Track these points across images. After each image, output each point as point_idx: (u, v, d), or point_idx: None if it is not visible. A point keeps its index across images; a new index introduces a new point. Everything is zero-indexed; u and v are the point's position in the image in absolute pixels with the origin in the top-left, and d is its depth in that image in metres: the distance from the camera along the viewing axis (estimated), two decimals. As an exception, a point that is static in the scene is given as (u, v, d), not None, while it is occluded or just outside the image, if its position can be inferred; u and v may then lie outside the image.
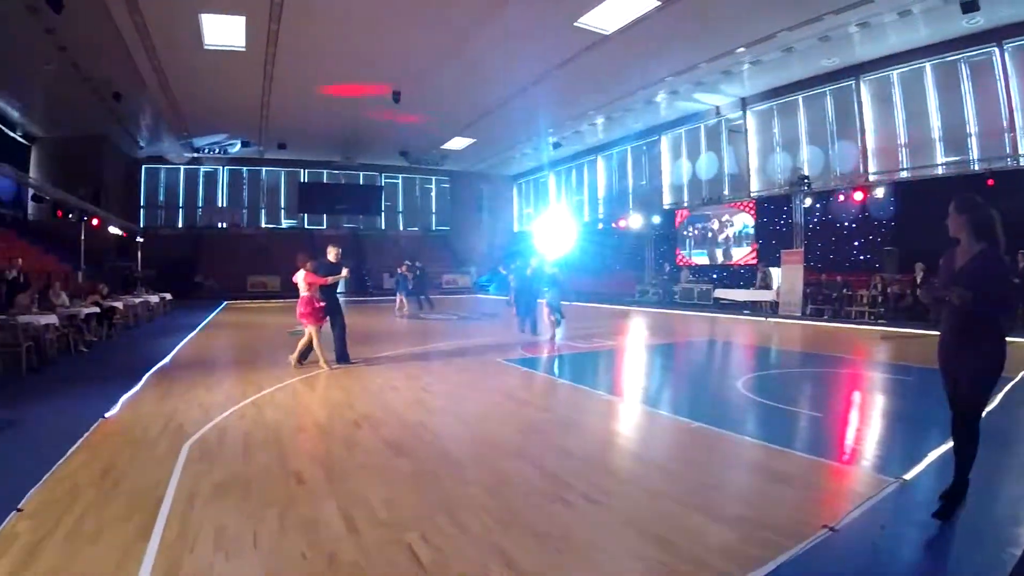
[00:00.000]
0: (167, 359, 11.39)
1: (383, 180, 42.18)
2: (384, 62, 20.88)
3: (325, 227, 40.77)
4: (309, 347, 10.35)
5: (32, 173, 27.48)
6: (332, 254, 10.78)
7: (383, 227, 42.39)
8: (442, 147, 35.13)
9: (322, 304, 10.19)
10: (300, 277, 10.14)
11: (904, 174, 20.73)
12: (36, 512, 4.17)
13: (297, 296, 10.19)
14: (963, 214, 4.02)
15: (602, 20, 17.58)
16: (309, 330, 10.19)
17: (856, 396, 8.58)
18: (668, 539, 3.77)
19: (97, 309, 14.46)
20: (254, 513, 4.23)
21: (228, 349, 13.80)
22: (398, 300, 22.36)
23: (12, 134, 27.44)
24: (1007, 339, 3.92)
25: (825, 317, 19.50)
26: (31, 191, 20.61)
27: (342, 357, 10.70)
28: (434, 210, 44.60)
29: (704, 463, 5.34)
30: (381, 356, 11.75)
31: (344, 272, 10.64)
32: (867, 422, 7.02)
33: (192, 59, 19.99)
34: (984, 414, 4.08)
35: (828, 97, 23.01)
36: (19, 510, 4.17)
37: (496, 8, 16.72)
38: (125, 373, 9.58)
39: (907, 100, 20.56)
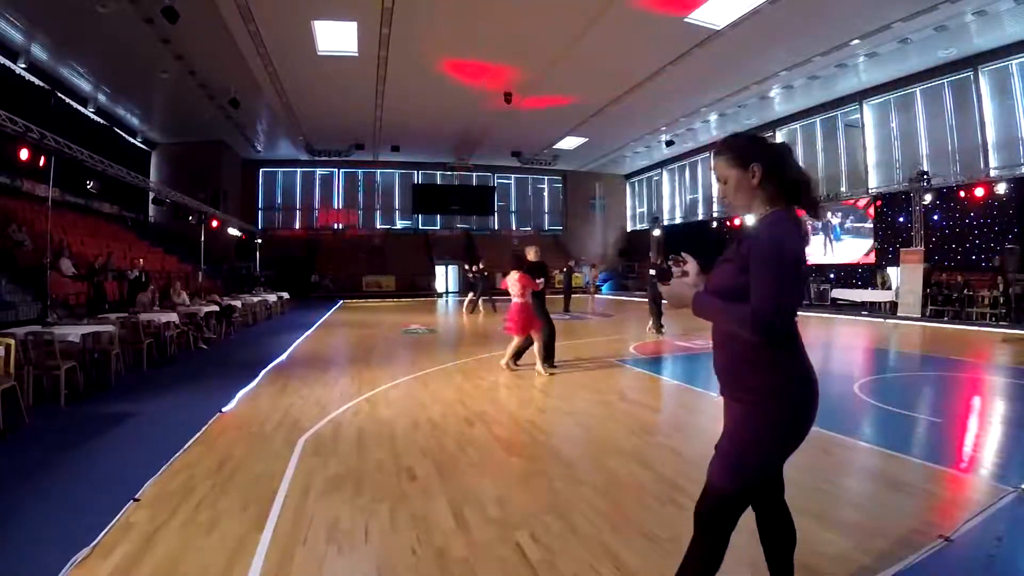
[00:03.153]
0: (284, 356, 11.83)
1: (496, 180, 42.79)
2: (495, 62, 21.16)
3: (439, 228, 41.82)
4: (524, 347, 9.99)
5: (152, 177, 29.41)
6: (532, 253, 10.15)
7: (496, 227, 42.84)
8: (554, 147, 35.25)
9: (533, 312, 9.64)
10: (513, 280, 9.56)
11: None
12: (153, 502, 4.32)
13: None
14: None
15: (713, 15, 17.29)
16: (517, 339, 9.77)
17: (975, 401, 8.26)
18: None
19: (216, 307, 15.14)
20: (366, 507, 4.26)
21: (343, 347, 14.18)
22: (467, 300, 23.68)
23: (133, 140, 29.55)
24: None
25: (945, 318, 18.94)
26: (151, 194, 21.82)
27: (549, 358, 9.99)
28: (546, 209, 44.84)
29: (818, 468, 5.08)
30: (493, 355, 11.75)
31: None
32: (986, 428, 6.58)
33: (306, 65, 20.91)
34: None
35: (946, 89, 21.99)
36: (136, 500, 4.33)
37: (607, 6, 16.59)
38: (242, 369, 10.01)
39: None
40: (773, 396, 2.32)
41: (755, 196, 2.49)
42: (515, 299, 9.56)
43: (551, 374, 9.54)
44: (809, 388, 2.38)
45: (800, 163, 2.44)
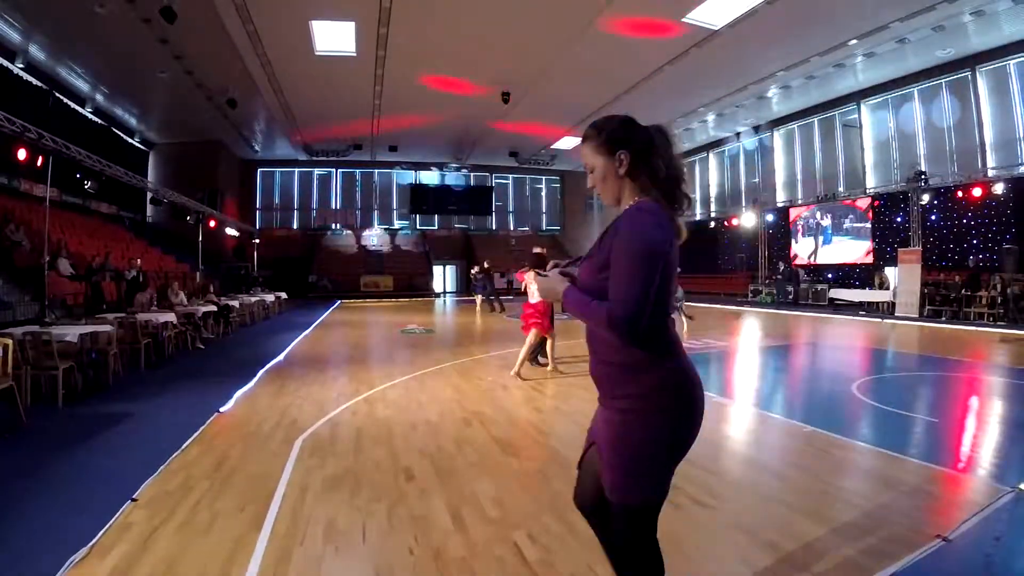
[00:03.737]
0: (281, 356, 11.82)
1: (493, 181, 42.88)
2: (493, 63, 21.21)
3: (437, 228, 41.89)
4: (538, 348, 9.84)
5: (150, 177, 29.42)
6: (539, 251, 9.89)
7: (494, 227, 42.92)
8: (552, 147, 35.29)
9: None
10: (531, 278, 9.08)
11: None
12: (151, 502, 4.33)
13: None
14: None
15: (711, 15, 17.35)
16: (532, 339, 9.53)
17: (973, 401, 8.26)
18: (778, 544, 3.67)
19: (214, 308, 15.15)
20: (364, 508, 4.26)
21: (341, 347, 14.18)
22: (480, 301, 23.81)
23: (130, 140, 29.54)
24: None
25: (943, 318, 19.02)
26: (149, 194, 21.83)
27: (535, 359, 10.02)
28: (544, 209, 44.98)
29: (816, 468, 5.14)
30: (491, 355, 11.76)
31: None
32: (984, 429, 6.61)
33: (304, 65, 20.95)
34: None
35: (944, 89, 22.10)
36: (134, 500, 4.34)
37: (605, 5, 16.62)
38: (240, 369, 10.00)
39: None
40: (652, 402, 2.15)
41: (623, 186, 2.30)
42: (533, 299, 9.47)
43: (558, 370, 9.59)
44: (690, 392, 2.22)
45: (675, 151, 2.28)
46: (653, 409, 2.15)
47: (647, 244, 2.03)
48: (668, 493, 2.24)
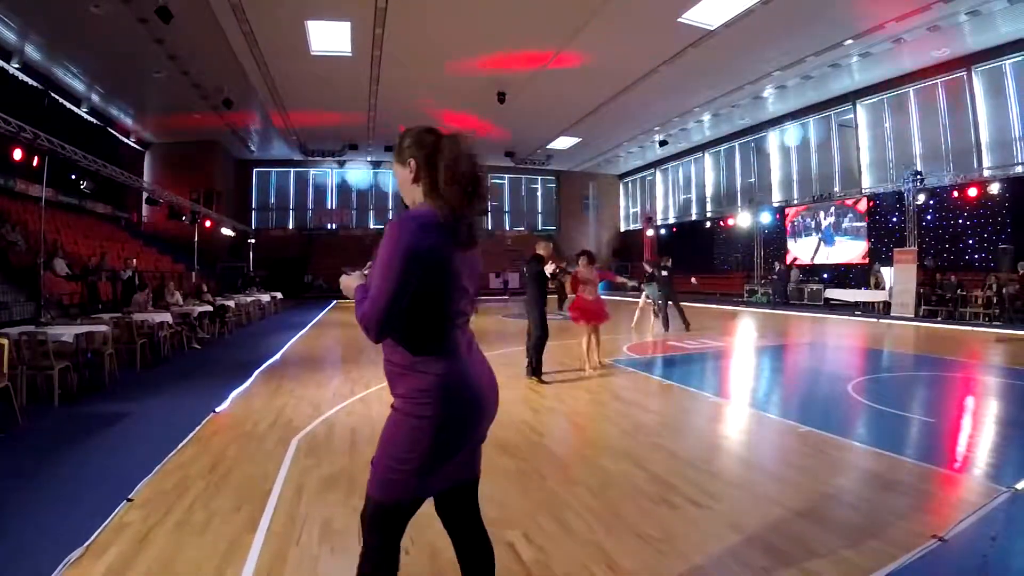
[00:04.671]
0: (277, 356, 11.83)
1: (489, 180, 42.20)
2: (489, 63, 21.17)
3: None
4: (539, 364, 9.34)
5: (146, 177, 29.41)
6: (543, 248, 9.53)
7: (489, 227, 42.75)
8: (548, 147, 35.27)
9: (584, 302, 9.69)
10: (585, 273, 9.79)
11: (1019, 168, 19.71)
12: (146, 502, 4.33)
13: None
14: None
15: (706, 15, 17.32)
16: (590, 330, 9.78)
17: (969, 401, 8.26)
18: (774, 545, 3.69)
19: (210, 308, 15.14)
20: (359, 508, 4.21)
21: (336, 347, 14.18)
22: None
23: (126, 140, 29.51)
24: None
25: (939, 318, 19.03)
26: (145, 194, 21.84)
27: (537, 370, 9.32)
28: (540, 209, 44.86)
29: (812, 468, 5.15)
30: (488, 355, 11.74)
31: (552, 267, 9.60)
32: (980, 428, 6.61)
33: (300, 65, 20.83)
34: None
35: (940, 89, 22.09)
36: (130, 500, 4.34)
37: (601, 6, 16.61)
38: (236, 370, 10.02)
39: (1021, 91, 19.55)
40: (414, 405, 2.17)
41: (415, 192, 2.33)
42: (588, 293, 9.67)
43: (543, 382, 9.07)
44: (460, 399, 2.21)
45: (470, 159, 2.29)
46: (415, 413, 2.17)
47: (401, 249, 2.05)
48: (420, 499, 2.30)
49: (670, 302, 16.08)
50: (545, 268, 9.30)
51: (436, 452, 2.19)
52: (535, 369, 9.21)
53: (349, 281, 2.35)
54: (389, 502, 2.23)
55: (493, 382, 2.40)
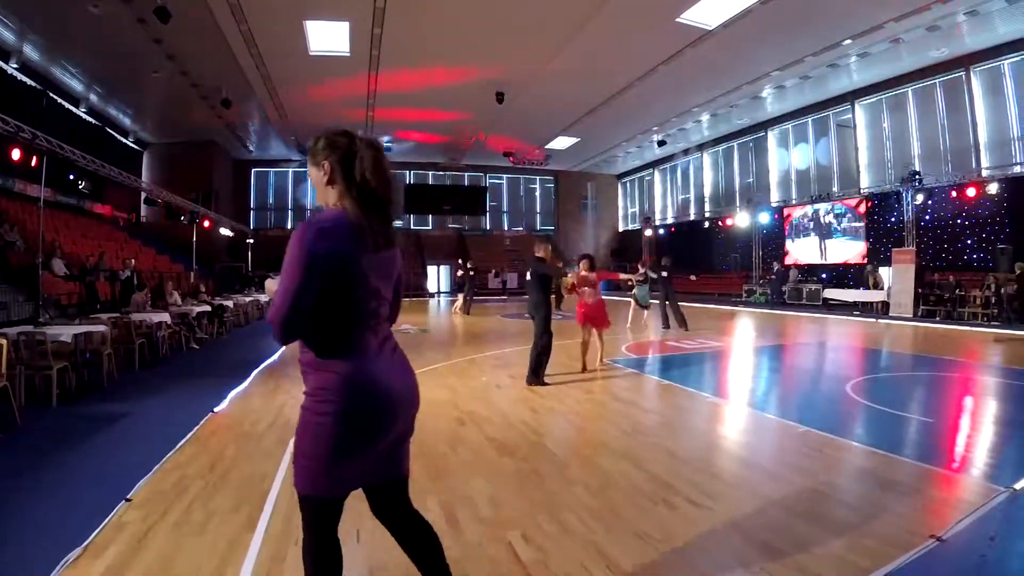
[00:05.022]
0: (275, 356, 11.79)
1: (488, 180, 42.72)
2: (488, 63, 21.17)
3: (431, 228, 41.74)
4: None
5: (144, 177, 29.37)
6: (542, 250, 9.07)
7: (488, 227, 42.90)
8: (546, 147, 35.23)
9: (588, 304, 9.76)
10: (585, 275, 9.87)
11: (1018, 169, 19.73)
12: (145, 502, 4.33)
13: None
14: None
15: (705, 15, 17.32)
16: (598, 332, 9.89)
17: (967, 401, 8.26)
18: (772, 545, 3.68)
19: (208, 308, 15.13)
20: (358, 508, 4.20)
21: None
22: (459, 301, 23.90)
23: (125, 140, 29.49)
24: None
25: (937, 318, 19.10)
26: (143, 194, 21.82)
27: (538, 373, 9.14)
28: (538, 209, 44.88)
29: (811, 468, 5.15)
30: (486, 355, 11.78)
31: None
32: (978, 428, 6.60)
33: (298, 65, 20.83)
34: None
35: (938, 89, 22.16)
36: (129, 500, 4.34)
37: (599, 6, 16.61)
38: (234, 369, 10.00)
39: (1020, 91, 19.55)
40: (317, 402, 2.19)
41: (329, 194, 2.34)
42: (588, 296, 9.74)
43: (539, 385, 8.92)
44: (363, 398, 2.21)
45: (380, 163, 2.29)
46: (318, 410, 2.18)
47: (300, 253, 2.12)
48: (340, 493, 2.29)
49: (667, 302, 16.10)
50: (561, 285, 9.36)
51: (341, 448, 2.18)
52: (535, 375, 8.97)
53: (271, 285, 2.38)
54: (309, 496, 2.25)
55: (408, 381, 2.40)
